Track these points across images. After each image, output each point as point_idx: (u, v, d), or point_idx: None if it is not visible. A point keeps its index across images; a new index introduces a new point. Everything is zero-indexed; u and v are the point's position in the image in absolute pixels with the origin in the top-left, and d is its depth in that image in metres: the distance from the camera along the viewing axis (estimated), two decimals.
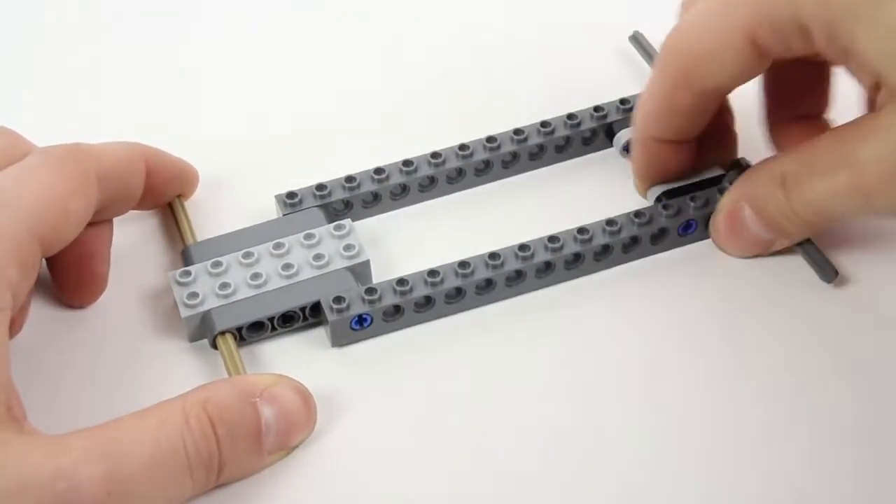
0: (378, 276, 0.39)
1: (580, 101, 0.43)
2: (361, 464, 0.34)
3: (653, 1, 0.43)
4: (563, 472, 0.34)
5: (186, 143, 0.42)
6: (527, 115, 0.43)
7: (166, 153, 0.40)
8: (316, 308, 0.37)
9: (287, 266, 0.38)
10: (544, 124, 0.42)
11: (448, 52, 0.49)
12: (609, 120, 0.43)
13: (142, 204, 0.40)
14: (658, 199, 0.40)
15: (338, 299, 0.36)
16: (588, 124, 0.43)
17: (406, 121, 0.45)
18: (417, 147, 0.42)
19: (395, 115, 0.45)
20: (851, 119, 0.36)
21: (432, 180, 0.42)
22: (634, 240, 0.39)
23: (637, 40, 0.47)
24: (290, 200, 0.40)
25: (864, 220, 0.40)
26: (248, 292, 0.37)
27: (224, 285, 0.37)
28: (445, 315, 0.38)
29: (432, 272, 0.37)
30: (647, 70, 0.45)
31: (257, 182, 0.42)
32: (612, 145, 0.44)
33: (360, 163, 0.41)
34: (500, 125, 0.43)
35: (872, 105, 0.36)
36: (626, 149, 0.42)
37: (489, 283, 0.38)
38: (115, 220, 0.40)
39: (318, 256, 0.38)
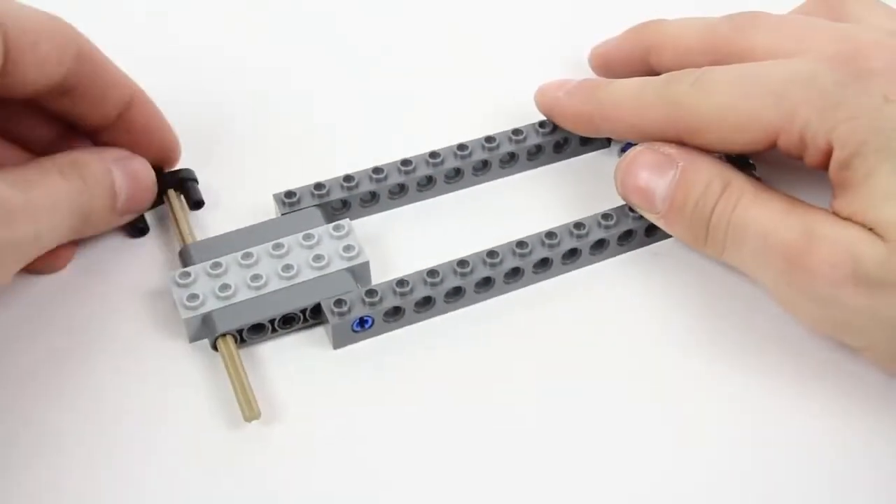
0: (376, 275, 0.39)
1: None
2: (363, 463, 0.34)
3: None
4: (565, 469, 0.34)
5: (185, 142, 0.42)
6: (526, 114, 0.43)
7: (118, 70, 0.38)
8: (316, 309, 0.37)
9: (287, 267, 0.38)
10: (542, 124, 0.42)
11: (447, 50, 0.48)
12: None
13: (68, 107, 0.38)
14: None
15: (339, 302, 0.37)
16: None
17: (404, 120, 0.45)
18: (416, 147, 0.42)
19: (393, 114, 0.45)
20: None
21: (430, 180, 0.42)
22: (629, 233, 0.39)
23: None
24: (289, 199, 0.40)
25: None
26: (248, 294, 0.37)
27: (224, 287, 0.37)
28: (445, 313, 0.38)
29: (432, 272, 0.37)
30: None
31: (256, 181, 0.42)
32: (609, 145, 0.44)
33: (358, 162, 0.41)
34: (499, 125, 0.43)
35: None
36: (623, 149, 0.43)
37: (488, 282, 0.38)
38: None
39: (317, 257, 0.38)
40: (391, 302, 0.37)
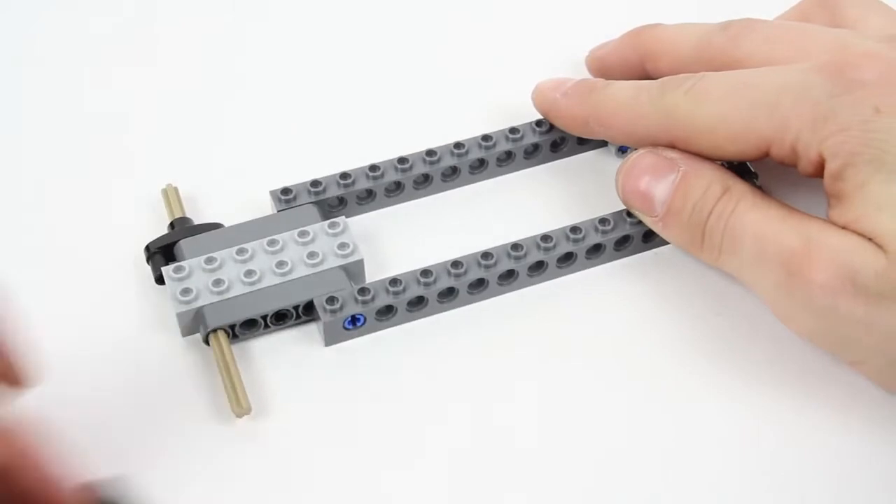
0: (371, 273, 0.39)
1: None
2: (351, 460, 0.35)
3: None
4: (560, 468, 0.34)
5: (182, 140, 0.42)
6: (523, 113, 0.43)
7: None
8: (309, 306, 0.37)
9: (281, 263, 0.38)
10: (539, 123, 0.42)
11: (445, 49, 0.48)
12: None
13: None
14: None
15: (331, 299, 0.37)
16: None
17: (401, 118, 0.45)
18: (412, 145, 0.42)
19: (390, 112, 0.45)
20: None
21: (427, 178, 0.42)
22: (626, 238, 0.39)
23: None
24: (285, 196, 0.40)
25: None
26: (241, 289, 0.37)
27: (218, 282, 0.37)
28: (438, 313, 0.38)
29: (425, 272, 0.37)
30: None
31: (252, 177, 0.42)
32: (606, 144, 0.44)
33: (354, 159, 0.41)
34: (496, 124, 0.43)
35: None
36: (621, 149, 0.43)
37: (481, 283, 0.38)
38: (109, 214, 0.39)
39: (312, 254, 0.38)
40: (383, 300, 0.37)
